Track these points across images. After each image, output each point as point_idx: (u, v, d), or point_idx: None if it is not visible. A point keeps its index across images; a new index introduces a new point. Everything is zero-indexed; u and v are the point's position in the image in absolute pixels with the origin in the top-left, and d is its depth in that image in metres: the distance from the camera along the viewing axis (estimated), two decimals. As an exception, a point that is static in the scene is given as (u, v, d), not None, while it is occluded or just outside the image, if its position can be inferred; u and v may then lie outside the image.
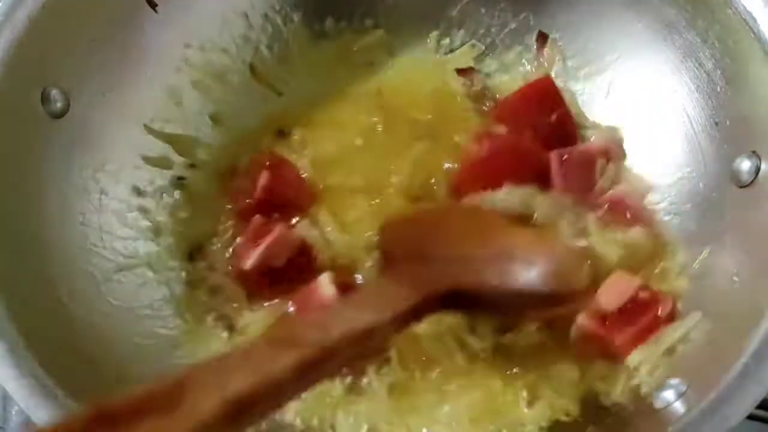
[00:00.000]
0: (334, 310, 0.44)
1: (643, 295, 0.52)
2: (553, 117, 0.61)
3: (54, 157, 0.54)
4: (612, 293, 0.52)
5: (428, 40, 0.70)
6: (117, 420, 0.27)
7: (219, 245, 0.62)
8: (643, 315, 0.51)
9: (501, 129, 0.61)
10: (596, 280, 0.52)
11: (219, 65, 0.66)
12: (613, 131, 0.63)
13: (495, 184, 0.58)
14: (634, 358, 0.51)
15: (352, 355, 0.38)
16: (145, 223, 0.60)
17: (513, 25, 0.69)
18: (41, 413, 0.42)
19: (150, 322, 0.56)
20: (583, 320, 0.52)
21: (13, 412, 0.61)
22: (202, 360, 0.33)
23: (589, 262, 0.52)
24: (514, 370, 0.54)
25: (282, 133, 0.67)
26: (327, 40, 0.70)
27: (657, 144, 0.62)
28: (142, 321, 0.56)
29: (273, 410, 0.34)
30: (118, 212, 0.58)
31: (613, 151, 0.62)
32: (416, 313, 0.44)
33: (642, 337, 0.51)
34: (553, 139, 0.61)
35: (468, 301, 0.47)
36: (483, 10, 0.69)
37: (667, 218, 0.59)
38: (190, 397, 0.28)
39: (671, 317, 0.52)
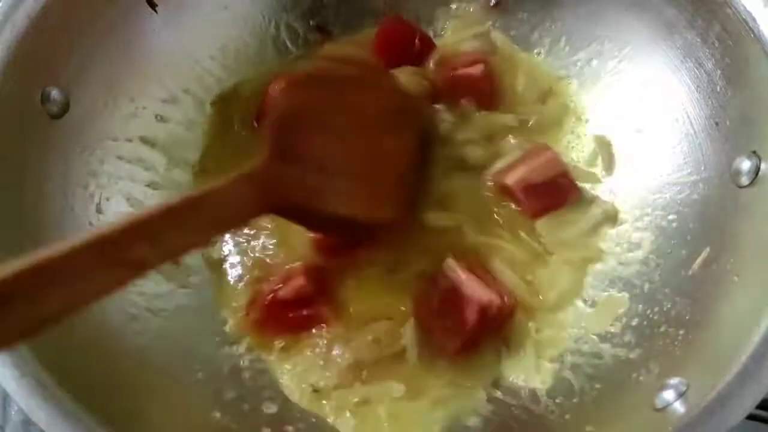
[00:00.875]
0: (171, 214, 0.39)
1: (562, 180, 0.62)
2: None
3: (54, 157, 0.54)
4: (540, 169, 0.62)
5: None
6: None
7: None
8: (555, 195, 0.62)
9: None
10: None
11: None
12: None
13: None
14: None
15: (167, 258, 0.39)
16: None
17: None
18: (41, 413, 0.42)
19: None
20: (510, 179, 0.62)
21: (13, 413, 0.61)
22: None
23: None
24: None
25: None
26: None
27: (657, 144, 0.62)
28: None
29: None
30: (120, 212, 0.58)
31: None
32: (249, 218, 0.47)
33: (545, 211, 0.62)
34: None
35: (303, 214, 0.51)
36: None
37: (669, 217, 0.59)
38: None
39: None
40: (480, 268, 0.59)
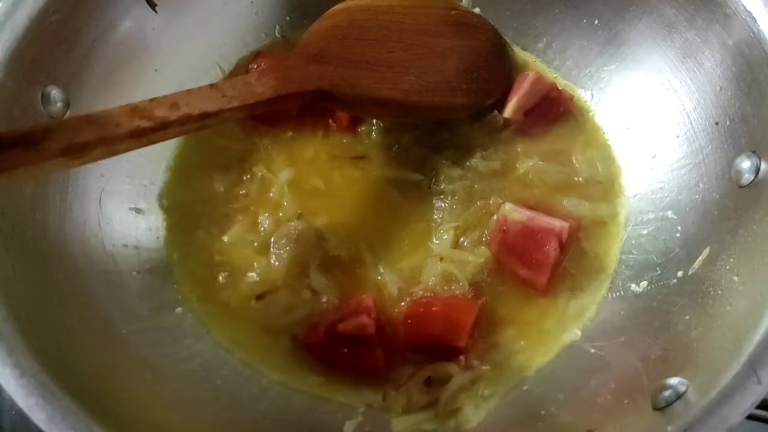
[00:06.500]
0: (194, 92, 0.48)
1: (553, 93, 0.66)
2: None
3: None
4: (531, 93, 0.66)
5: None
6: None
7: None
8: (552, 109, 0.66)
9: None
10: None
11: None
12: None
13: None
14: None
15: (189, 129, 0.48)
16: (146, 224, 0.60)
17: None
18: (41, 413, 0.42)
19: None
20: (509, 113, 0.66)
21: (13, 412, 0.61)
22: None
23: None
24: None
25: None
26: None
27: (657, 144, 0.62)
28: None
29: (108, 156, 0.43)
30: (120, 212, 0.58)
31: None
32: (270, 103, 0.51)
33: (550, 125, 0.67)
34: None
35: (340, 101, 0.57)
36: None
37: (669, 217, 0.59)
38: (48, 140, 0.40)
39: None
40: (531, 203, 0.62)
